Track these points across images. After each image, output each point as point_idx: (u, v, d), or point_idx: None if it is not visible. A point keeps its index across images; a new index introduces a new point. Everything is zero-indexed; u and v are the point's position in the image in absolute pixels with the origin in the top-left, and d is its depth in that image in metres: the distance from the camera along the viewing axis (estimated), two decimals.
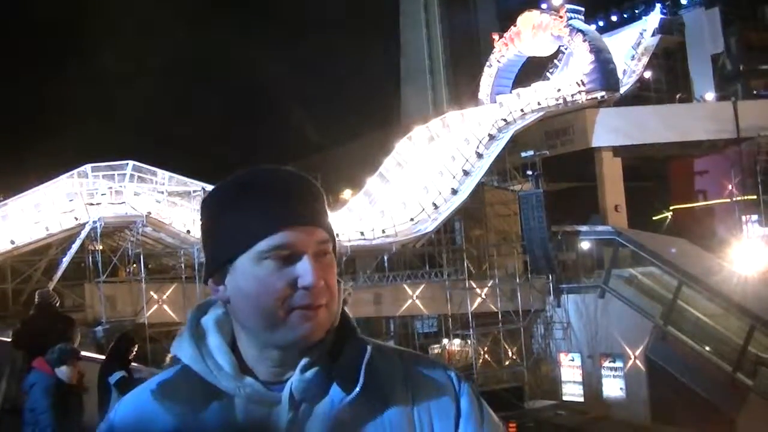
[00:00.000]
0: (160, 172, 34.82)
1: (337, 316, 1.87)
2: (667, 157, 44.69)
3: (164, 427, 1.82)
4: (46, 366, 8.97)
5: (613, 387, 35.77)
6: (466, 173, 40.07)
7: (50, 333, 10.73)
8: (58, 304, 13.13)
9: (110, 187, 33.08)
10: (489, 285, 38.04)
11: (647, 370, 33.85)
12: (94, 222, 31.05)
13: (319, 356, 1.82)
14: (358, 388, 1.77)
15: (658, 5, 50.73)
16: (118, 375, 10.35)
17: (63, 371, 8.88)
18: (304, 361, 1.80)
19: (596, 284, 37.05)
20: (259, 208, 1.77)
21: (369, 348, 1.82)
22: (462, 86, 59.09)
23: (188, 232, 32.26)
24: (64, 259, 32.02)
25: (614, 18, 54.74)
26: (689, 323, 33.95)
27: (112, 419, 1.92)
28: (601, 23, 53.88)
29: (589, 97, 43.09)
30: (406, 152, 44.77)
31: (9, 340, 13.43)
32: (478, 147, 40.94)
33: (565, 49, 48.75)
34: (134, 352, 11.42)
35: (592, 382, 36.50)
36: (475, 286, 37.70)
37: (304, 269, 1.74)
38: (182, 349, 1.87)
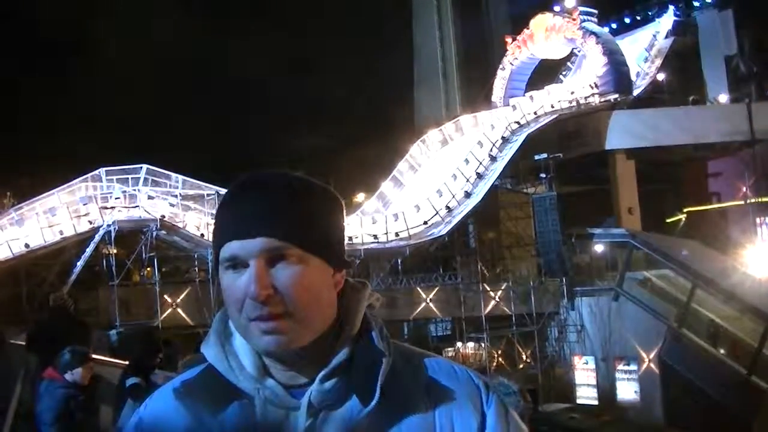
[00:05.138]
0: (173, 175, 34.95)
1: (354, 322, 1.88)
2: (680, 159, 44.61)
3: (185, 425, 1.84)
4: (55, 374, 8.95)
5: (627, 390, 35.67)
6: (479, 176, 40.00)
7: (64, 336, 10.74)
8: (72, 308, 13.18)
9: (124, 191, 33.16)
10: (502, 288, 38.02)
11: (661, 372, 33.71)
12: (108, 226, 31.14)
13: (337, 366, 1.82)
14: (373, 402, 1.76)
15: (671, 7, 50.68)
16: (134, 380, 10.32)
17: (73, 374, 8.87)
18: (323, 372, 1.81)
19: (610, 287, 36.93)
20: (222, 220, 1.82)
21: (385, 360, 1.81)
22: (475, 89, 58.97)
23: (202, 235, 32.32)
24: (78, 263, 32.07)
25: (627, 20, 54.64)
26: (703, 326, 33.86)
27: (141, 415, 1.95)
28: (614, 25, 53.80)
29: (603, 99, 43.05)
30: (420, 155, 44.82)
31: (23, 343, 13.47)
32: (491, 150, 40.85)
33: (578, 51, 48.72)
34: (159, 360, 11.42)
35: (606, 385, 36.40)
36: (488, 288, 37.68)
37: (249, 279, 1.73)
38: (208, 349, 1.88)
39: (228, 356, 1.84)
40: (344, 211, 1.94)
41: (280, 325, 1.74)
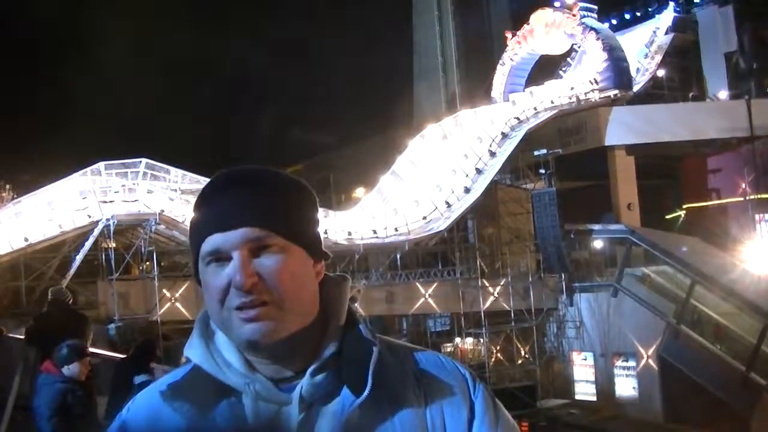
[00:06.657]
0: (173, 170, 35.02)
1: (339, 315, 1.88)
2: (680, 155, 44.56)
3: (174, 427, 1.82)
4: (53, 368, 8.93)
5: (625, 386, 35.71)
6: (479, 171, 40.02)
7: (63, 330, 10.73)
8: (71, 302, 13.14)
9: (123, 185, 33.24)
10: (501, 283, 38.04)
11: (660, 369, 33.76)
12: (107, 220, 31.21)
13: (327, 359, 1.81)
14: (366, 392, 1.75)
15: (672, 3, 50.63)
16: (143, 378, 10.30)
17: (71, 369, 8.85)
18: (314, 365, 1.80)
19: (609, 283, 36.99)
20: (202, 215, 1.80)
21: (376, 349, 1.80)
22: (475, 84, 58.90)
23: None
24: (77, 257, 32.15)
25: (627, 16, 54.65)
26: (702, 322, 33.91)
27: (124, 418, 1.92)
28: (614, 21, 53.82)
29: (602, 95, 43.02)
30: (419, 150, 44.74)
31: (22, 337, 13.48)
32: (491, 145, 40.88)
33: (578, 47, 48.70)
34: (155, 358, 11.45)
35: (604, 381, 36.45)
36: (487, 284, 37.69)
37: (233, 269, 1.72)
38: (192, 349, 1.86)
39: (213, 355, 1.83)
40: (318, 205, 1.94)
41: (264, 312, 1.72)
